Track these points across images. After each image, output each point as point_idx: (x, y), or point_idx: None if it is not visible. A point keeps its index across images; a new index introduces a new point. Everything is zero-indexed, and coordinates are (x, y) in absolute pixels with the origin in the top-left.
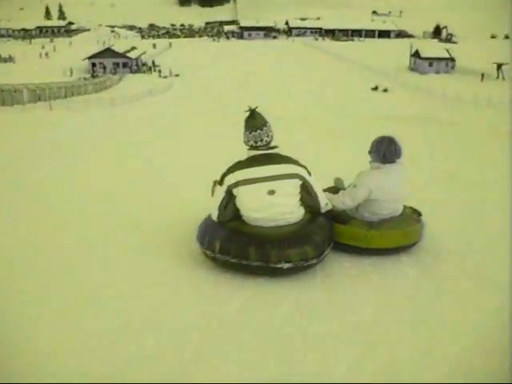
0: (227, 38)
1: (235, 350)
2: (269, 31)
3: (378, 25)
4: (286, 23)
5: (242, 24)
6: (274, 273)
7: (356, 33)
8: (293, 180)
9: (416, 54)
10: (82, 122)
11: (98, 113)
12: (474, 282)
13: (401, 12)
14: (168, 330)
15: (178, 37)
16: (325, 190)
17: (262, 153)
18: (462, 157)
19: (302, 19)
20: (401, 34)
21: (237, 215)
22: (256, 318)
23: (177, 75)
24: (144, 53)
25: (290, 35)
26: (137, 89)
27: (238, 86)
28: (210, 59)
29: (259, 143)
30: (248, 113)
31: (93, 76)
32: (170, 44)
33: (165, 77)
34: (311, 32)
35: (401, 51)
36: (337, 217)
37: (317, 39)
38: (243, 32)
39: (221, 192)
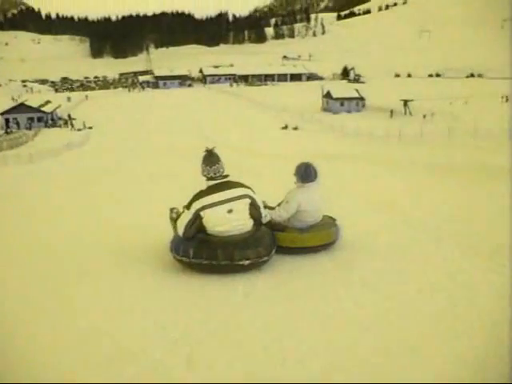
0: (142, 88)
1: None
2: (184, 79)
3: (289, 69)
4: (200, 71)
5: (157, 73)
6: (236, 269)
7: (269, 77)
8: (244, 199)
9: (328, 95)
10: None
11: (16, 170)
12: (373, 268)
13: (310, 56)
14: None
15: (93, 89)
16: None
17: (219, 182)
18: (367, 185)
19: (216, 66)
20: (312, 77)
21: (198, 232)
22: (221, 297)
23: (90, 127)
24: (59, 106)
25: (205, 82)
26: (54, 143)
27: (152, 133)
28: (126, 109)
29: (217, 174)
30: (206, 152)
31: (7, 132)
32: (87, 96)
33: (79, 129)
34: (225, 79)
35: (313, 93)
36: (274, 226)
37: (231, 85)
38: (158, 81)
39: (188, 214)
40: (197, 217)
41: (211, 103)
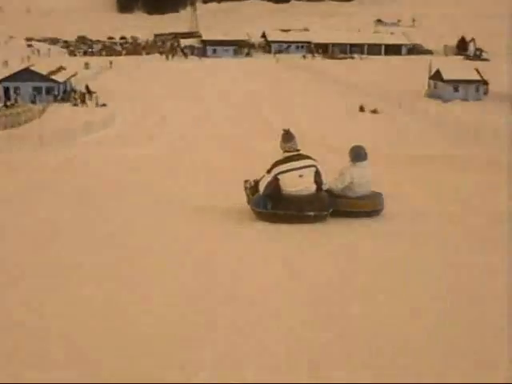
0: (185, 55)
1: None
2: (240, 46)
3: (384, 37)
4: (263, 36)
5: (205, 37)
6: (304, 219)
7: (356, 48)
8: (311, 168)
9: (436, 76)
10: None
11: (23, 156)
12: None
13: (414, 21)
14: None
15: (119, 54)
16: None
17: (293, 154)
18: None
19: (285, 30)
20: (415, 50)
21: (274, 191)
22: (289, 234)
23: (104, 105)
24: (74, 75)
25: (270, 52)
26: (67, 123)
27: (200, 123)
28: (162, 83)
29: (291, 149)
30: (283, 131)
31: (6, 106)
32: (111, 63)
33: (101, 105)
34: (297, 47)
35: (415, 71)
36: (331, 194)
37: (305, 57)
38: (206, 47)
39: (268, 177)
40: (275, 179)
41: (276, 81)
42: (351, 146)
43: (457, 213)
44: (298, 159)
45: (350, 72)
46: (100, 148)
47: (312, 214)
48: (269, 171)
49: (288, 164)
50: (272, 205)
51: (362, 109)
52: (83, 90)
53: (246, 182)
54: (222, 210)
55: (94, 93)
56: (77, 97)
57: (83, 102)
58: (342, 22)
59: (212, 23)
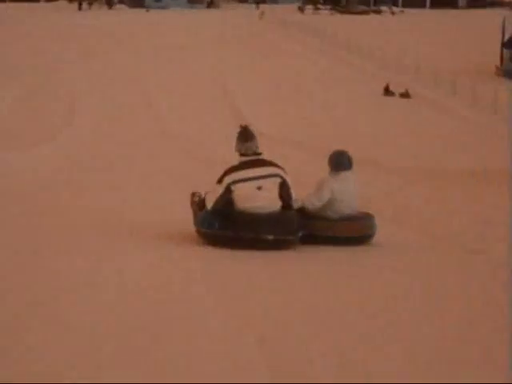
0: (109, 4)
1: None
2: None
3: None
4: None
5: None
6: (261, 244)
7: None
8: (274, 178)
9: None
10: None
11: None
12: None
13: None
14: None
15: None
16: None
17: (251, 159)
18: None
19: None
20: (480, 0)
21: (225, 206)
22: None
23: None
24: None
25: (246, 0)
26: None
27: (128, 115)
28: (73, 54)
29: (249, 151)
30: (240, 128)
31: None
32: None
33: None
34: None
35: (481, 36)
36: (306, 214)
37: (302, 9)
38: None
39: (219, 188)
40: (227, 191)
41: (258, 51)
42: (333, 151)
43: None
44: (256, 165)
45: (374, 35)
46: None
47: (271, 237)
48: (219, 181)
49: (243, 172)
50: (220, 224)
51: (387, 91)
52: None
53: (193, 194)
54: (159, 231)
55: None
56: None
57: None
58: None
59: None
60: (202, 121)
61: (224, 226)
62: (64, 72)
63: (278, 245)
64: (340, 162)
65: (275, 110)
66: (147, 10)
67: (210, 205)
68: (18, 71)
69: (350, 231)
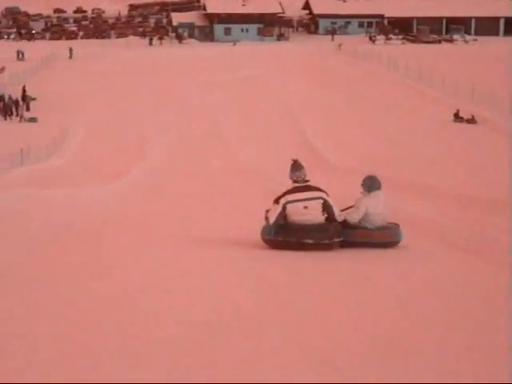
0: (179, 38)
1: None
2: (269, 24)
3: (504, 7)
4: (306, 7)
5: (211, 9)
6: (304, 246)
7: (457, 25)
8: (318, 200)
9: None
10: None
11: None
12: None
13: None
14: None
15: (73, 36)
16: (344, 210)
17: (300, 185)
18: None
19: None
20: None
21: (282, 219)
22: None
23: (32, 119)
24: (3, 69)
25: (315, 32)
26: None
27: (201, 152)
28: (144, 88)
29: (299, 179)
30: (292, 161)
31: None
32: (71, 52)
33: (31, 119)
34: (360, 25)
35: None
36: (349, 225)
37: (373, 39)
38: (213, 26)
39: (278, 207)
40: (283, 208)
41: (341, 85)
42: (365, 175)
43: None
44: (304, 190)
45: (446, 64)
46: (36, 190)
47: (311, 241)
48: (277, 201)
49: (294, 195)
50: (276, 232)
51: (457, 117)
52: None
53: (267, 211)
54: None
55: (33, 99)
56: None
57: (11, 114)
58: None
59: None
60: (272, 155)
61: (279, 233)
62: (135, 108)
63: (316, 247)
64: (372, 184)
65: (346, 141)
66: (234, 44)
67: (272, 219)
68: (92, 106)
69: (382, 238)
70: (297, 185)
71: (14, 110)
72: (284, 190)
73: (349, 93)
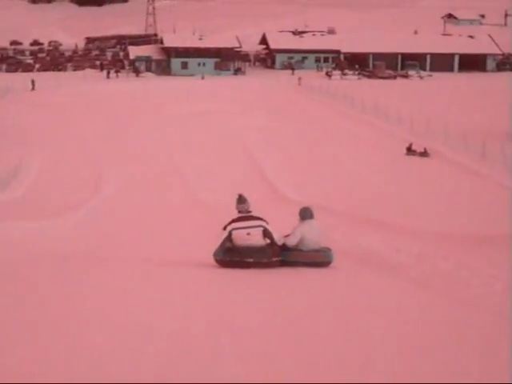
0: (136, 72)
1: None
2: (226, 59)
3: (458, 44)
4: (263, 41)
5: (169, 43)
6: (247, 264)
7: (412, 61)
8: (259, 228)
9: None
10: None
11: None
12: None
13: (506, 16)
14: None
15: (29, 69)
16: (286, 235)
17: (244, 215)
18: None
19: (296, 33)
20: (509, 63)
21: (228, 243)
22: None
23: None
24: None
25: (272, 66)
26: None
27: (156, 187)
28: (100, 121)
29: (243, 210)
30: (238, 196)
31: None
32: (33, 83)
33: None
34: (316, 60)
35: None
36: (288, 248)
37: (329, 74)
38: (171, 60)
39: (225, 233)
40: (229, 235)
41: (287, 115)
42: (301, 207)
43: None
44: (247, 219)
45: (402, 100)
46: None
47: (251, 260)
48: (225, 228)
49: (239, 223)
50: (224, 254)
51: (409, 150)
52: None
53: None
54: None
55: None
56: None
57: None
58: (389, 20)
59: (179, 21)
60: (227, 189)
61: (226, 255)
62: (91, 141)
63: (257, 265)
64: (305, 214)
65: (301, 174)
66: (202, 78)
67: (220, 242)
68: (47, 140)
69: (315, 258)
70: (241, 215)
71: None
72: (231, 219)
73: (306, 127)
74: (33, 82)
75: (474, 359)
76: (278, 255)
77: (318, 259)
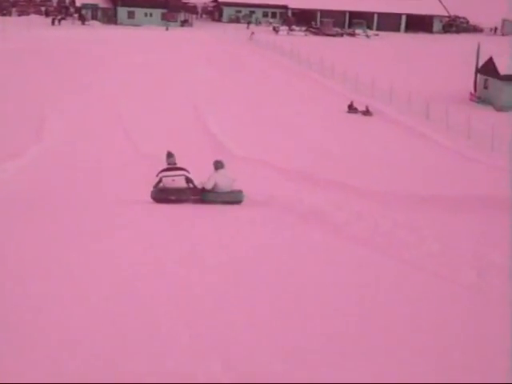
0: (82, 20)
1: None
2: (173, 10)
3: (405, 4)
4: None
5: None
6: (171, 201)
7: (359, 20)
8: (181, 176)
9: (488, 69)
10: None
11: None
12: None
13: None
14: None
15: None
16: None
17: (171, 166)
18: None
19: None
20: (454, 25)
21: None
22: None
23: None
24: None
25: (219, 19)
26: None
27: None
28: (42, 72)
29: (171, 162)
30: (167, 152)
31: None
32: None
33: None
34: (265, 15)
35: (455, 61)
36: (207, 190)
37: (276, 29)
38: (117, 9)
39: (157, 179)
40: (160, 180)
41: (232, 68)
42: (214, 160)
43: None
44: (173, 170)
45: (348, 58)
46: None
47: (174, 198)
48: (157, 175)
49: (167, 172)
50: (157, 193)
51: (351, 108)
52: None
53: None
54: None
55: None
56: None
57: None
58: None
59: None
60: (168, 142)
61: (158, 194)
62: (35, 91)
63: (178, 201)
64: (217, 165)
65: (244, 130)
66: (167, 29)
67: (154, 185)
68: None
69: (227, 198)
70: (169, 166)
71: None
72: (161, 168)
73: (250, 81)
74: None
75: (404, 313)
76: (196, 194)
77: (230, 199)
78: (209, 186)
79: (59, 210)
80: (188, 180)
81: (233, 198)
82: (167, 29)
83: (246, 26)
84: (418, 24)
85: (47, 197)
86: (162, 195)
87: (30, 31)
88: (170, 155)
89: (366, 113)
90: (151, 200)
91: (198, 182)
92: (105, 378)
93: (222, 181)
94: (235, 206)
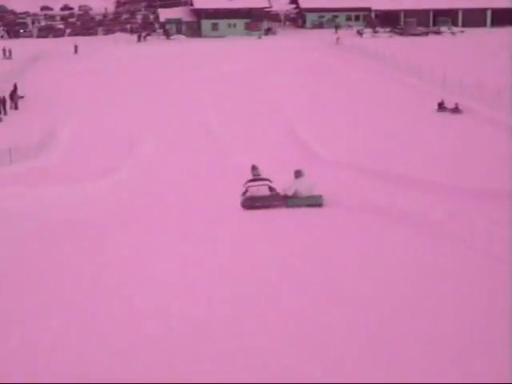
0: (166, 34)
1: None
2: (256, 19)
3: None
4: (294, 2)
5: (199, 4)
6: (259, 207)
7: (444, 18)
8: (265, 186)
9: None
10: None
11: None
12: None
13: None
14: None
15: (60, 34)
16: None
17: (256, 177)
18: None
19: None
20: None
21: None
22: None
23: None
24: None
25: (302, 26)
26: None
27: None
28: (132, 87)
29: (255, 174)
30: (252, 166)
31: None
32: (76, 48)
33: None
34: (348, 18)
35: None
36: (288, 196)
37: (360, 32)
38: (201, 22)
39: (243, 188)
40: (247, 189)
41: (318, 74)
42: (295, 169)
43: None
44: (257, 180)
45: (434, 57)
46: (28, 188)
47: (260, 204)
48: (244, 185)
49: (252, 182)
50: (244, 201)
51: (441, 107)
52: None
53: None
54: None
55: (21, 97)
56: None
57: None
58: None
59: None
60: (260, 147)
61: (246, 201)
62: (121, 108)
63: (264, 207)
64: (297, 174)
65: (337, 135)
66: (259, 37)
67: (242, 194)
68: (82, 108)
69: (308, 202)
70: (254, 177)
71: (1, 108)
72: (247, 179)
73: (339, 85)
74: (76, 46)
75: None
76: (279, 201)
77: (311, 203)
78: (290, 193)
79: (163, 220)
80: (271, 189)
81: (313, 202)
82: (260, 37)
83: (329, 31)
84: (505, 18)
85: (155, 204)
86: (250, 202)
87: (117, 48)
88: (254, 168)
89: (455, 110)
90: (240, 207)
91: (281, 189)
92: None
93: (302, 187)
94: (332, 213)
